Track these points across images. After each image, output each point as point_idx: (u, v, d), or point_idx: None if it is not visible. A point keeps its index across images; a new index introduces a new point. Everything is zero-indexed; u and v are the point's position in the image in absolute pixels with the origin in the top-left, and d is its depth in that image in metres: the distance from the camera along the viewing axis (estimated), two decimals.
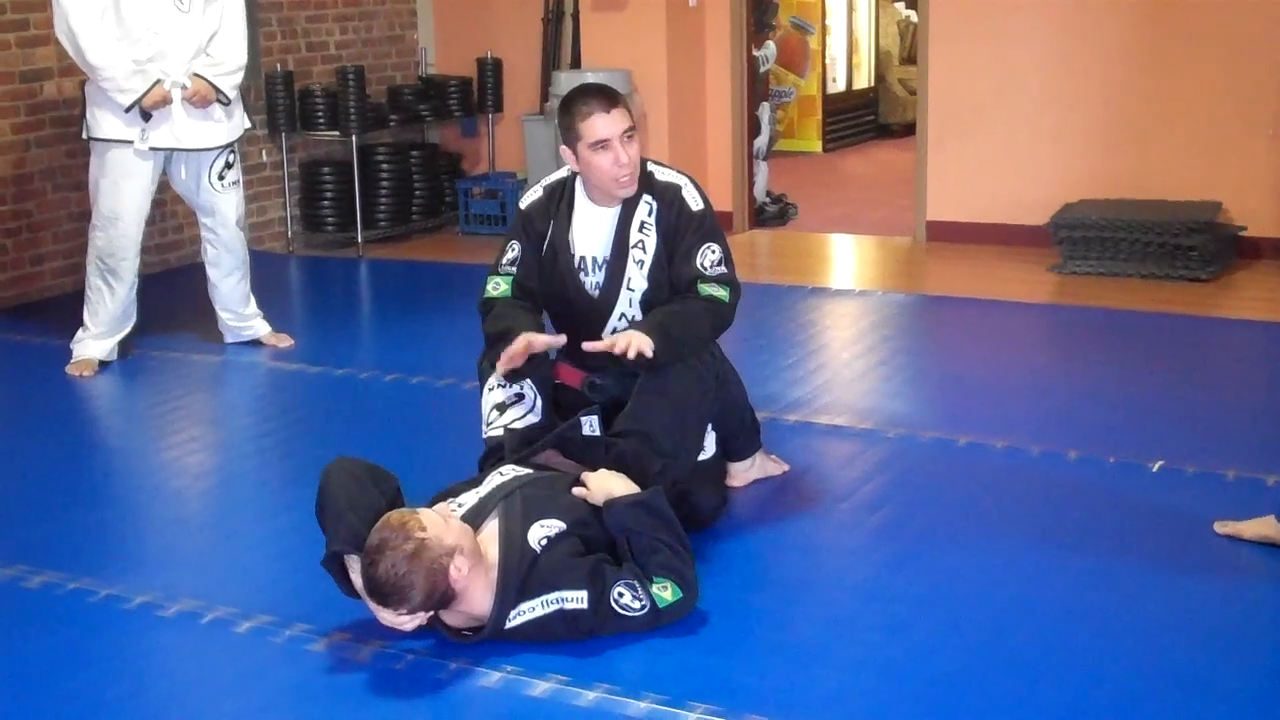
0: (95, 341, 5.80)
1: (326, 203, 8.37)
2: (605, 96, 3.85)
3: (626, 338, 3.68)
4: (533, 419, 3.91)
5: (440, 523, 3.20)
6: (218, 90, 5.68)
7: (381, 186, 8.46)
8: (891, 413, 5.01)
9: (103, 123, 5.62)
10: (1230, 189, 7.28)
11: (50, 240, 7.11)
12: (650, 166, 4.00)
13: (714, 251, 3.92)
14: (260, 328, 6.16)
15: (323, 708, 3.11)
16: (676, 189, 3.95)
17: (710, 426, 4.01)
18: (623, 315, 3.96)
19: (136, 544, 4.11)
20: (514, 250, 4.01)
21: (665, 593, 3.33)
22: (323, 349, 6.14)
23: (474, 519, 3.38)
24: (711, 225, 3.96)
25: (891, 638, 3.35)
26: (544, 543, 3.32)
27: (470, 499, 3.49)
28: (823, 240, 8.71)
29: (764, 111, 9.07)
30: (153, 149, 5.66)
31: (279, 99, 8.08)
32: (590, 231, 3.95)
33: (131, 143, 5.62)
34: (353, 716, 3.06)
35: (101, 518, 4.27)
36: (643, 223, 3.91)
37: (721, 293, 3.88)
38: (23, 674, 3.30)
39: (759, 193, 8.99)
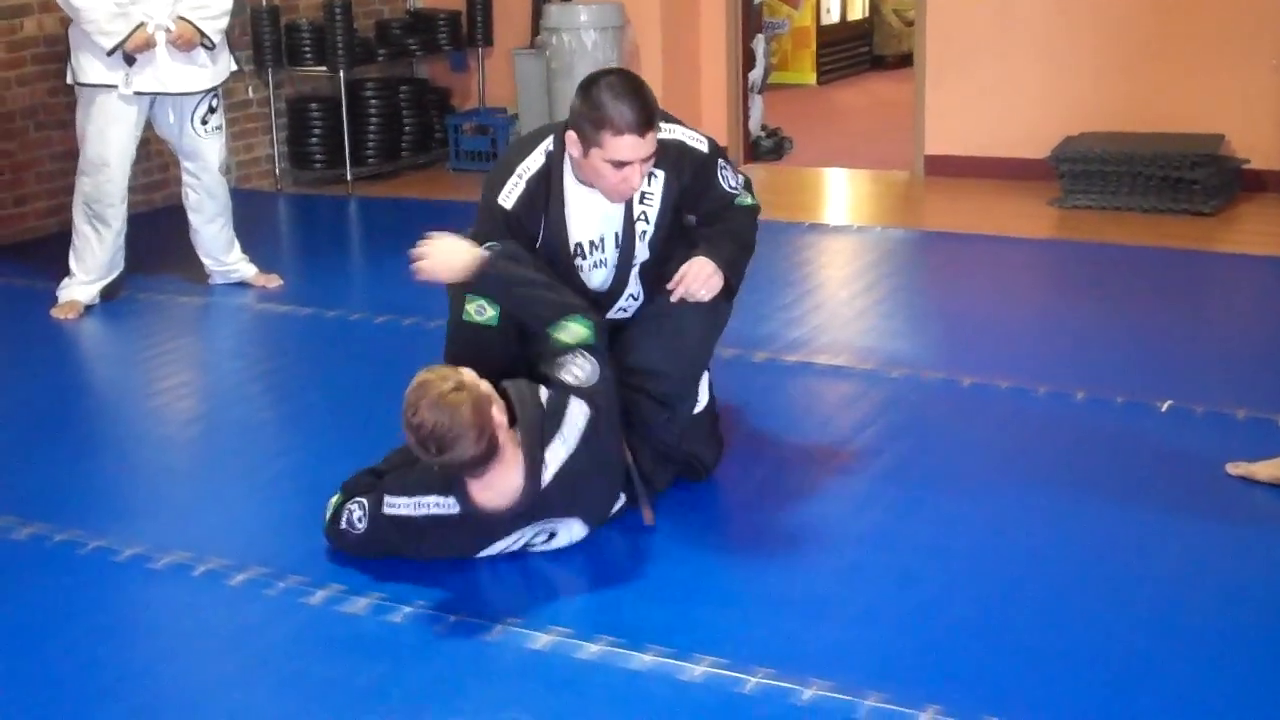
0: (82, 287, 5.70)
1: (314, 140, 8.21)
2: (646, 114, 3.40)
3: (699, 281, 3.60)
4: None
5: (471, 375, 3.24)
6: (202, 34, 5.54)
7: (370, 123, 8.31)
8: (893, 352, 4.92)
9: (87, 68, 5.49)
10: (1233, 121, 7.16)
11: (33, 180, 6.97)
12: None
13: (729, 168, 3.74)
14: (246, 270, 6.05)
15: (321, 662, 3.03)
16: (678, 145, 3.62)
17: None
18: (630, 295, 3.79)
19: (125, 493, 4.02)
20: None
21: (569, 335, 3.44)
22: (313, 290, 6.03)
23: None
24: (717, 149, 3.74)
25: (901, 588, 3.28)
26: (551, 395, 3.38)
27: None
28: (819, 175, 8.59)
29: (759, 44, 8.93)
30: (137, 93, 5.53)
31: (265, 34, 7.92)
32: (585, 216, 3.63)
33: (116, 87, 5.49)
34: (352, 671, 2.98)
35: (89, 466, 4.18)
36: (644, 194, 3.62)
37: (753, 200, 3.80)
38: (12, 629, 3.21)
39: (754, 127, 8.87)
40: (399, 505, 3.34)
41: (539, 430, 3.31)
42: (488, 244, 3.53)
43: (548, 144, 3.62)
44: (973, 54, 7.71)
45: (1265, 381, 4.54)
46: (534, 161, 3.61)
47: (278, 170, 8.21)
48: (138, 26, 5.40)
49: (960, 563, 3.39)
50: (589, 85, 3.47)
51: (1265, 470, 3.75)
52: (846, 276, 6.15)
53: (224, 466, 4.17)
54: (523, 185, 3.60)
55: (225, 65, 5.75)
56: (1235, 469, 3.80)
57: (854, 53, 13.25)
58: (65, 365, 5.27)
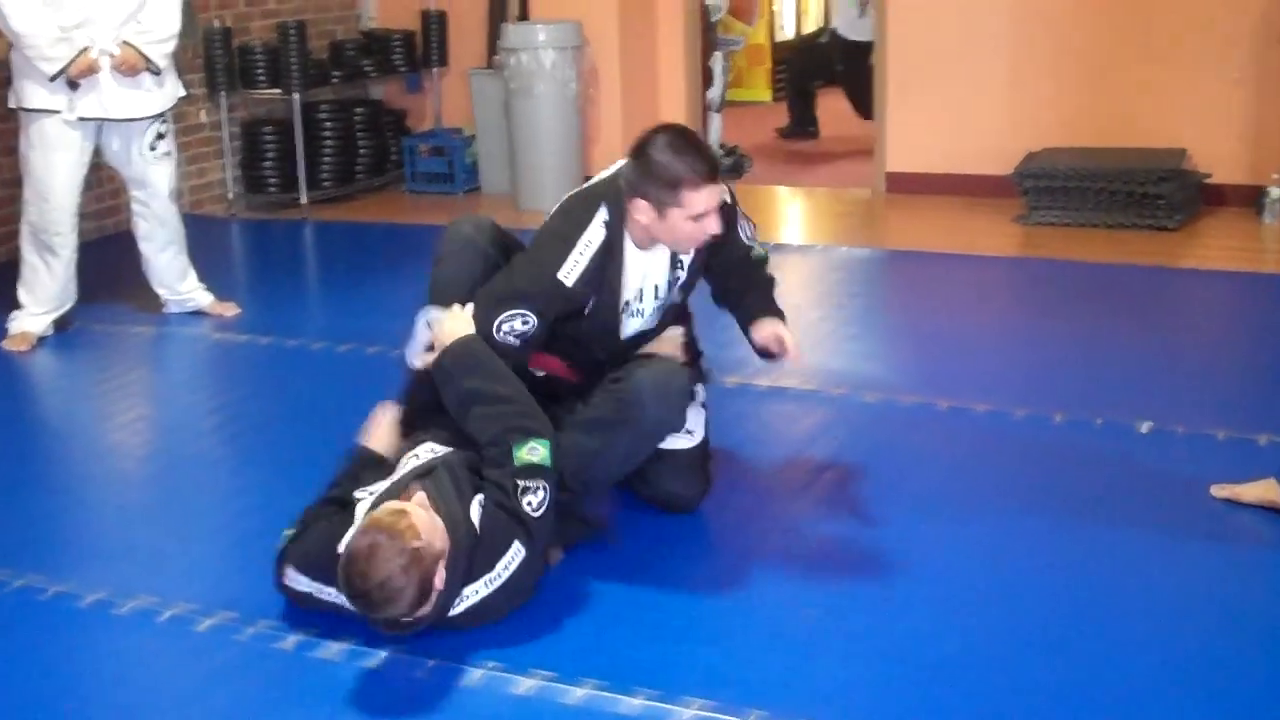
0: (33, 318, 5.55)
1: (268, 163, 8.08)
2: (711, 160, 3.42)
3: (792, 346, 3.75)
4: None
5: (430, 525, 2.97)
6: (147, 59, 5.41)
7: (325, 145, 8.19)
8: (866, 376, 4.85)
9: (29, 92, 5.36)
10: (1195, 136, 7.15)
11: None
12: None
13: (744, 217, 3.83)
14: (202, 298, 5.92)
15: (295, 712, 2.92)
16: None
17: (699, 406, 3.78)
18: (641, 332, 3.70)
19: (85, 535, 3.89)
20: (526, 324, 3.46)
21: (535, 455, 3.16)
22: (271, 318, 5.91)
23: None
24: (733, 195, 3.74)
25: (888, 620, 3.20)
26: (479, 517, 3.09)
27: (380, 486, 3.22)
28: (779, 193, 8.54)
29: (717, 61, 8.86)
30: (81, 119, 5.40)
31: (217, 56, 7.78)
32: (636, 276, 3.55)
33: (59, 113, 5.36)
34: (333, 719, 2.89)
35: (46, 507, 4.04)
36: None
37: (763, 250, 3.91)
38: None
39: (713, 145, 8.79)
40: (300, 582, 3.19)
41: (467, 562, 3.03)
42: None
43: (603, 214, 3.45)
44: (935, 69, 7.67)
45: (1243, 401, 4.51)
46: (595, 235, 3.44)
47: (231, 195, 8.08)
48: (81, 51, 5.27)
49: (949, 591, 3.31)
50: (646, 150, 3.36)
51: (1251, 492, 3.69)
52: (813, 298, 6.08)
53: (186, 505, 4.04)
54: (585, 261, 3.43)
55: (173, 90, 5.62)
56: (1220, 491, 3.74)
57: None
58: (17, 399, 5.13)
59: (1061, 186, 6.95)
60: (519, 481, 3.14)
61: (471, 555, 3.05)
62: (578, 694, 2.91)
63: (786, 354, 3.74)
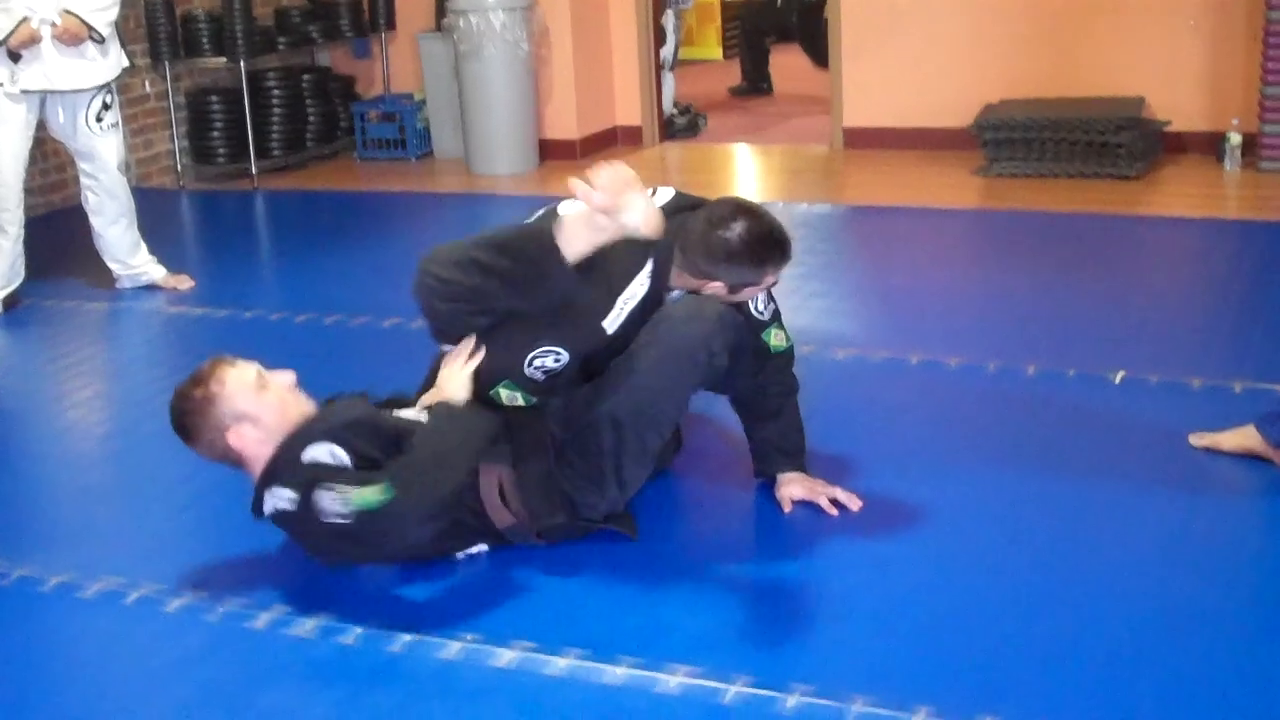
0: None
1: (216, 133, 7.95)
2: (788, 243, 3.30)
3: (846, 500, 3.44)
4: None
5: (244, 385, 3.16)
6: (90, 27, 5.28)
7: (273, 114, 8.06)
8: (834, 332, 4.80)
9: None
10: (1153, 84, 7.13)
11: None
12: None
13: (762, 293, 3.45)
14: (155, 272, 5.81)
15: (271, 692, 2.84)
16: None
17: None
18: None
19: (45, 517, 3.79)
20: (559, 361, 3.29)
21: (370, 494, 2.99)
22: (226, 290, 5.80)
23: None
24: None
25: (872, 580, 3.14)
26: (313, 462, 3.07)
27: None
28: (735, 151, 8.47)
29: (669, 20, 8.77)
30: (24, 91, 5.27)
31: (160, 25, 7.63)
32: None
33: (1, 85, 5.22)
34: (305, 699, 2.80)
35: (5, 489, 3.94)
36: None
37: (784, 339, 3.53)
38: None
39: (667, 104, 8.71)
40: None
41: (278, 459, 3.12)
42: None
43: (649, 269, 3.28)
44: (889, 23, 7.61)
45: (1215, 348, 4.48)
46: (639, 289, 3.29)
47: (179, 166, 7.94)
48: (21, 21, 5.15)
49: (930, 550, 3.26)
50: (726, 240, 3.18)
51: (1230, 440, 3.66)
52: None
53: (149, 483, 3.93)
54: (625, 314, 3.29)
55: (117, 60, 5.49)
56: (1199, 440, 3.71)
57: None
58: None
59: (1021, 138, 6.91)
60: (341, 486, 3.00)
61: (279, 462, 3.09)
62: (560, 664, 2.85)
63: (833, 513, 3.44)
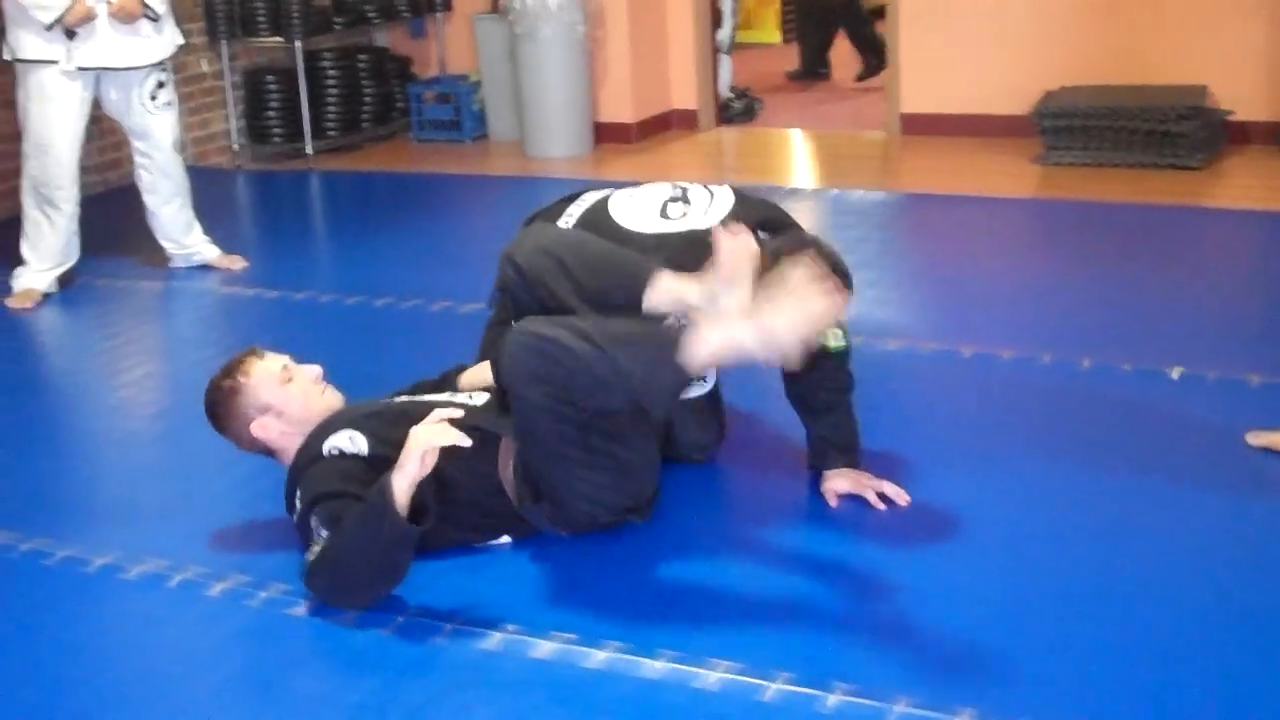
0: (37, 274, 5.46)
1: (272, 113, 7.97)
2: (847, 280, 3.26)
3: (893, 493, 3.39)
4: None
5: (269, 377, 3.25)
6: (145, 6, 5.30)
7: (329, 94, 8.07)
8: (886, 322, 4.74)
9: (25, 43, 5.24)
10: (1216, 72, 7.01)
11: None
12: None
13: None
14: (208, 252, 5.82)
15: (309, 678, 2.84)
16: None
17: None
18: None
19: (92, 497, 3.80)
20: None
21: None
22: (278, 270, 5.81)
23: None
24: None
25: (918, 578, 3.09)
26: (334, 451, 3.13)
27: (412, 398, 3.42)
28: (792, 137, 8.40)
29: (726, 2, 8.71)
30: (79, 69, 5.28)
31: (218, 4, 7.66)
32: None
33: (56, 63, 5.24)
34: (343, 687, 2.80)
35: (54, 467, 3.96)
36: None
37: (843, 342, 3.42)
38: None
39: (723, 88, 8.65)
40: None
41: (293, 475, 3.20)
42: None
43: None
44: (949, 7, 7.52)
45: (1274, 344, 4.39)
46: None
47: (235, 146, 7.96)
48: None
49: (979, 547, 3.21)
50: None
51: None
52: (830, 241, 5.94)
53: (196, 465, 3.92)
54: None
55: (172, 37, 5.50)
56: (1256, 439, 3.64)
57: None
58: (24, 358, 5.05)
59: (1081, 125, 6.81)
60: (320, 530, 3.02)
61: (301, 471, 3.13)
62: (600, 656, 2.83)
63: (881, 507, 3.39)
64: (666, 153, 7.83)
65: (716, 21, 8.47)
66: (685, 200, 3.47)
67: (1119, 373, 4.17)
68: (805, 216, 6.35)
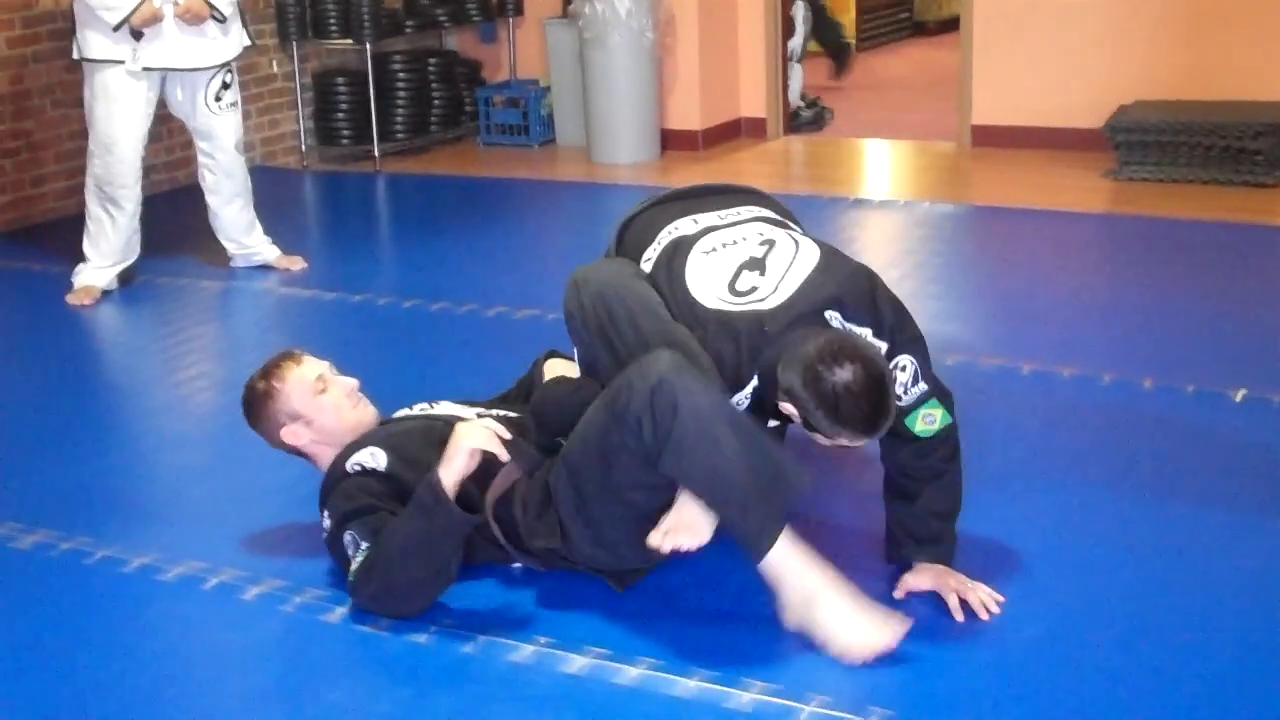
0: (97, 271, 5.49)
1: (341, 115, 7.99)
2: (875, 421, 2.86)
3: (976, 604, 2.98)
4: None
5: (302, 386, 3.23)
6: (212, 7, 5.31)
7: (398, 97, 8.07)
8: (947, 336, 4.64)
9: (92, 43, 5.27)
10: None
11: (51, 160, 6.76)
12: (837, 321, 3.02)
13: (911, 367, 3.03)
14: (268, 252, 5.84)
15: (338, 687, 2.80)
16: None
17: None
18: None
19: (138, 496, 3.79)
20: None
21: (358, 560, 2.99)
22: (338, 272, 5.81)
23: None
24: (899, 345, 3.03)
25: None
26: (356, 468, 3.10)
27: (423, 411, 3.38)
28: (861, 146, 8.32)
29: (799, 10, 8.65)
30: (145, 69, 5.30)
31: (289, 6, 7.69)
32: None
33: (123, 63, 5.27)
34: (372, 696, 2.77)
35: (101, 466, 3.97)
36: None
37: (935, 418, 3.05)
38: (10, 647, 3.00)
39: (793, 96, 8.59)
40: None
41: (323, 492, 3.18)
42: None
43: (755, 383, 3.03)
44: (1022, 18, 7.41)
45: None
46: (740, 401, 3.06)
47: (304, 147, 7.98)
48: (144, 0, 5.17)
49: (1026, 571, 3.13)
50: (824, 377, 2.80)
51: None
52: (894, 255, 5.88)
53: (242, 467, 3.90)
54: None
55: (238, 39, 5.51)
56: None
57: (894, 18, 12.91)
58: (80, 355, 5.07)
59: (1154, 141, 6.68)
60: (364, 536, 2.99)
61: (330, 487, 3.11)
62: (632, 673, 2.78)
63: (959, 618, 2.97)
64: (734, 161, 7.77)
65: (789, 30, 8.39)
66: (761, 269, 3.09)
67: (1181, 394, 4.07)
68: (872, 229, 6.29)
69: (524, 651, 2.87)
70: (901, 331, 3.03)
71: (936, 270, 5.58)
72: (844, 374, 2.79)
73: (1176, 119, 6.67)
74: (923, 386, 3.01)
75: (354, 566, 2.98)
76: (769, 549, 2.81)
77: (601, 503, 2.94)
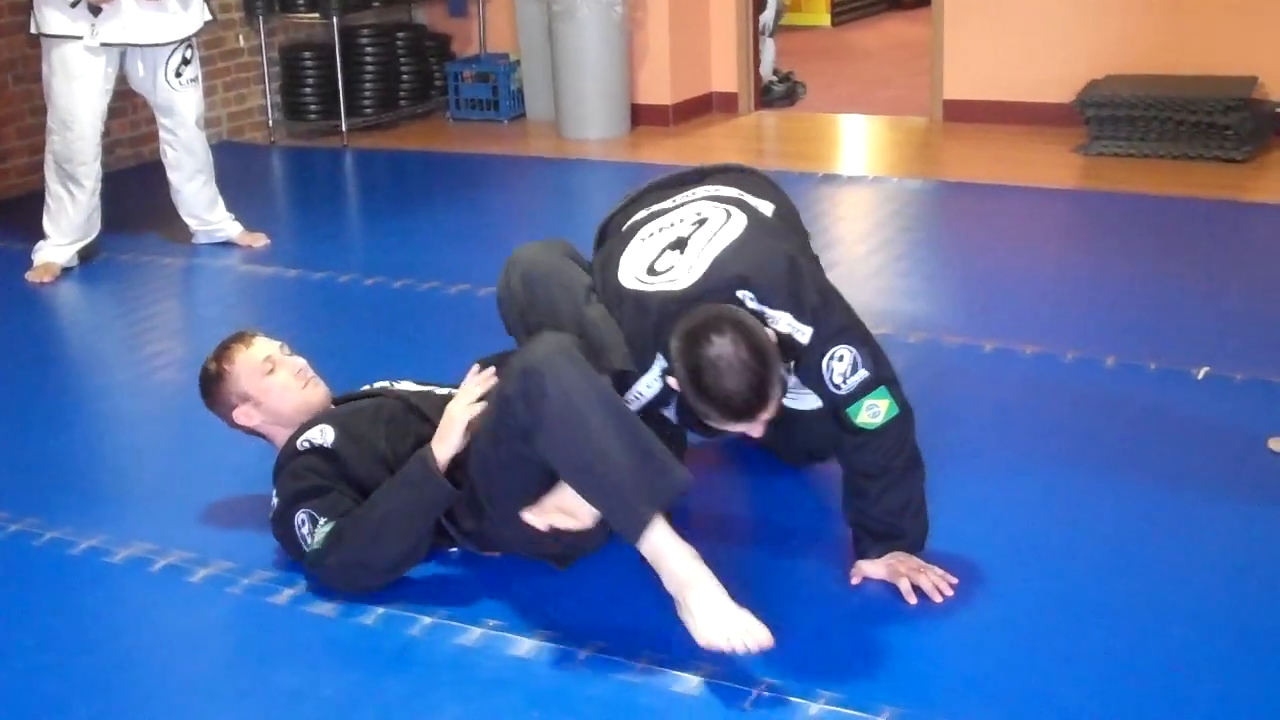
0: (57, 249, 5.43)
1: (308, 90, 7.91)
2: (758, 402, 2.75)
3: (928, 587, 2.92)
4: None
5: (251, 367, 3.23)
6: None
7: (366, 71, 7.99)
8: (911, 315, 4.63)
9: (50, 18, 5.19)
10: (1267, 63, 6.82)
11: (14, 136, 6.69)
12: (752, 303, 2.90)
13: (849, 356, 2.87)
14: (231, 229, 5.78)
15: (284, 671, 2.77)
16: (789, 337, 2.88)
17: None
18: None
19: (90, 477, 3.75)
20: None
21: (321, 534, 2.97)
22: (302, 249, 5.76)
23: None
24: (832, 335, 2.88)
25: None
26: (305, 445, 3.09)
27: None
28: (833, 122, 8.27)
29: None
30: (104, 45, 5.23)
31: None
32: None
33: (81, 39, 5.19)
34: (318, 681, 2.73)
35: (54, 445, 3.92)
36: None
37: (881, 417, 2.90)
38: None
39: (765, 71, 8.53)
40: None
41: (275, 469, 3.17)
42: None
43: (661, 365, 2.95)
44: None
45: None
46: (650, 386, 3.01)
47: (271, 122, 7.91)
48: None
49: (985, 553, 3.10)
50: (695, 352, 2.73)
51: None
52: (861, 232, 5.85)
53: (198, 446, 3.85)
54: (645, 401, 3.04)
55: (199, 14, 5.44)
56: (1278, 444, 3.51)
57: None
58: (38, 333, 5.02)
59: (1125, 115, 6.66)
60: (315, 518, 2.99)
61: (281, 465, 3.11)
62: (580, 656, 2.75)
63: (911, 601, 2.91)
64: (704, 136, 7.73)
65: (760, 4, 8.34)
66: (683, 248, 2.99)
67: (1143, 371, 4.05)
68: (840, 205, 6.26)
69: (471, 634, 2.84)
70: (829, 317, 2.88)
71: (903, 248, 5.54)
72: (714, 346, 2.71)
73: (1147, 94, 6.64)
74: (863, 374, 2.86)
75: (315, 540, 2.96)
76: (639, 536, 2.75)
77: (502, 484, 2.93)
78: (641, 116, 7.87)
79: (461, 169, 7.18)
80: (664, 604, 2.90)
